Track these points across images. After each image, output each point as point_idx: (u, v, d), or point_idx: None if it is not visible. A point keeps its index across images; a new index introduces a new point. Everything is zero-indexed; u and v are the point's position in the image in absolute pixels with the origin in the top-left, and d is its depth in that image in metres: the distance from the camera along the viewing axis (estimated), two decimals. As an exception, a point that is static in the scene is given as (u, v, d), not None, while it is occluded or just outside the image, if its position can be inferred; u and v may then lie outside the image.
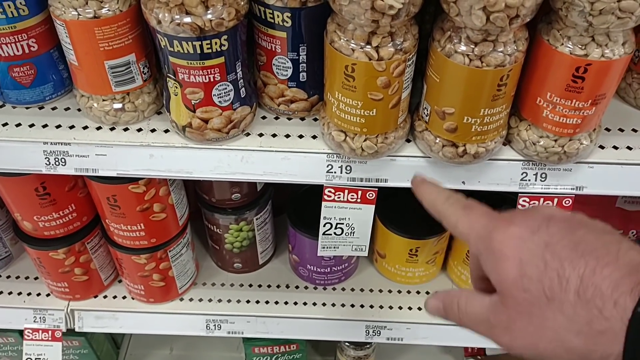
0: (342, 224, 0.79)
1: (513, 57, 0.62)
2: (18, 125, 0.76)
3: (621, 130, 0.77)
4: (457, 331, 1.07)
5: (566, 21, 0.61)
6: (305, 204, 1.05)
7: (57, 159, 0.75)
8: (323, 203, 0.77)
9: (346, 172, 0.75)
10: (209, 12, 0.61)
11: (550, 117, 0.68)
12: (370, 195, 0.76)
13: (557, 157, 0.71)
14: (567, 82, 0.64)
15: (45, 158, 0.75)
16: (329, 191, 0.76)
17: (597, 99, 0.65)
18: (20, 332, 1.18)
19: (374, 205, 0.78)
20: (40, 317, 1.08)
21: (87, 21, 0.65)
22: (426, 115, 0.70)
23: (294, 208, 1.05)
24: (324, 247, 0.81)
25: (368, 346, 1.26)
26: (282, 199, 1.12)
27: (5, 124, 0.76)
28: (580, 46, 0.61)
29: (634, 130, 0.77)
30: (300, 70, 0.72)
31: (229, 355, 1.42)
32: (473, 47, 0.61)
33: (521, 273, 0.42)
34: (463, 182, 0.75)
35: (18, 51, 0.71)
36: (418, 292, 1.11)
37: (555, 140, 0.70)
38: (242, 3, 0.64)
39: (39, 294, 1.09)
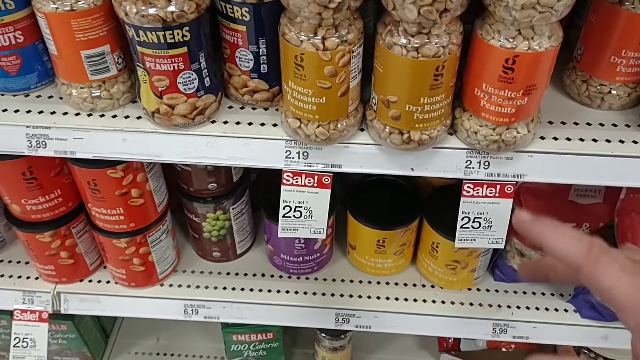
0: (301, 207, 0.85)
1: (447, 49, 0.68)
2: (4, 110, 0.83)
3: (563, 123, 0.83)
4: (423, 320, 1.12)
5: (495, 16, 0.67)
6: (278, 196, 1.10)
7: (38, 142, 0.81)
8: (282, 187, 0.83)
9: (303, 158, 0.81)
10: (171, 4, 0.68)
11: (487, 107, 0.73)
12: (326, 180, 0.82)
13: (497, 146, 0.76)
14: (499, 74, 0.69)
15: (28, 141, 0.81)
16: (288, 175, 0.82)
17: (528, 89, 0.70)
18: (12, 316, 1.25)
19: (329, 190, 0.83)
20: (28, 299, 1.14)
21: (64, 13, 0.72)
22: (374, 105, 0.76)
23: (268, 199, 1.11)
24: (283, 229, 0.87)
25: (343, 336, 1.31)
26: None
27: (-8, 109, 0.83)
28: (508, 39, 0.67)
29: (575, 124, 0.83)
30: (261, 62, 0.78)
31: (212, 346, 1.48)
32: (410, 39, 0.67)
33: None
34: (412, 169, 0.81)
35: (5, 42, 0.78)
36: (387, 283, 1.16)
37: (494, 129, 0.75)
38: (203, -2, 0.71)
39: (28, 277, 1.15)
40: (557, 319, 1.10)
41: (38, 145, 0.82)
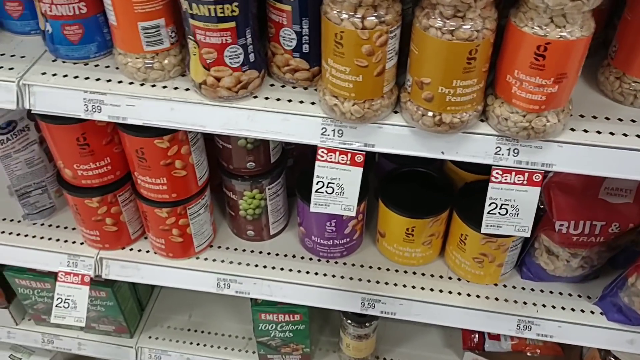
0: (333, 183, 0.88)
1: (481, 34, 0.71)
2: (64, 76, 0.90)
3: (594, 117, 0.84)
4: (448, 311, 1.14)
5: (529, 4, 0.69)
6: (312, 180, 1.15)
7: (94, 106, 0.88)
8: (316, 163, 0.87)
9: (338, 136, 0.85)
10: (223, -19, 0.73)
11: (518, 93, 0.76)
12: (359, 158, 0.86)
13: (527, 133, 0.78)
14: (531, 60, 0.72)
15: (84, 105, 0.88)
16: (322, 152, 0.86)
17: (559, 77, 0.73)
18: (56, 279, 1.32)
19: (362, 168, 0.87)
20: (73, 262, 1.22)
21: (125, -14, 0.78)
22: (409, 87, 0.79)
23: (302, 182, 1.15)
24: (316, 204, 0.91)
25: (368, 324, 1.34)
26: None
27: (54, 74, 0.90)
28: (541, 27, 0.70)
29: (607, 118, 0.84)
30: (303, 42, 0.83)
31: (241, 327, 1.52)
32: (445, 21, 0.70)
33: None
34: (442, 152, 0.84)
35: (70, 12, 0.85)
36: (414, 273, 1.19)
37: (524, 116, 0.77)
38: (254, -23, 0.76)
39: (74, 242, 1.23)
40: (582, 319, 1.10)
41: (94, 110, 0.88)
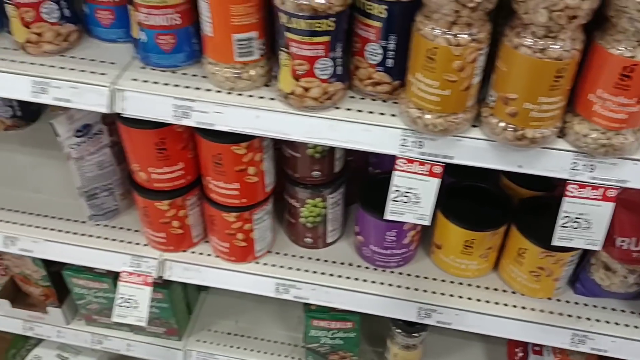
0: (410, 192, 0.92)
1: (570, 54, 0.74)
2: (155, 82, 0.94)
3: (667, 136, 0.87)
4: (503, 323, 1.16)
5: (617, 27, 0.73)
6: (374, 190, 1.18)
7: (183, 112, 0.92)
8: (394, 172, 0.91)
9: (418, 147, 0.88)
10: (323, -3, 0.77)
11: (599, 111, 0.79)
12: (437, 169, 0.89)
13: (605, 150, 0.82)
14: (616, 80, 0.75)
15: (174, 110, 0.92)
16: (401, 162, 0.89)
17: (642, 97, 0.76)
18: (114, 279, 1.36)
19: (439, 179, 0.90)
20: (136, 263, 1.25)
21: (225, -1, 0.82)
22: (492, 102, 0.83)
23: (364, 192, 1.18)
24: (391, 212, 0.94)
25: (416, 335, 1.36)
26: (355, 191, 1.25)
27: (145, 81, 0.94)
28: (629, 49, 0.73)
29: (680, 138, 0.87)
30: (388, 57, 0.87)
31: (286, 334, 1.55)
32: (536, 40, 0.74)
33: None
34: (519, 166, 0.87)
35: (165, 22, 0.90)
36: (470, 285, 1.21)
37: (604, 134, 0.80)
38: (349, -6, 0.80)
39: (137, 243, 1.27)
40: (637, 336, 1.12)
41: (183, 116, 0.92)
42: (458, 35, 0.75)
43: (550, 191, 1.20)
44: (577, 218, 0.89)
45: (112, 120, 1.18)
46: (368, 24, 0.84)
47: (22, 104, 1.48)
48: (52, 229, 1.28)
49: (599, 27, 0.76)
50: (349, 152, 1.17)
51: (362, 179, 1.23)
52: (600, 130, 0.80)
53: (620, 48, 0.74)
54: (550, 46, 0.73)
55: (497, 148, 0.86)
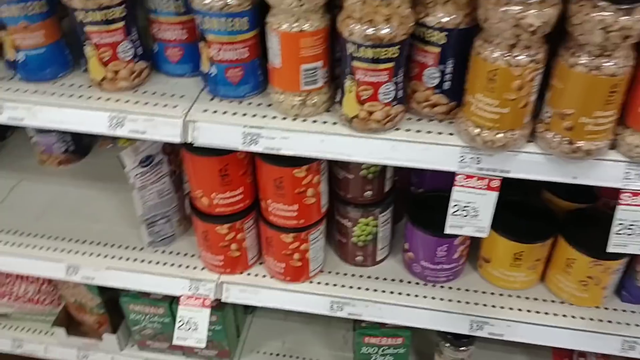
0: (469, 206, 0.97)
1: (623, 70, 0.80)
2: (224, 112, 1.00)
3: None
4: (554, 332, 1.20)
5: (667, 43, 0.79)
6: (422, 208, 1.24)
7: (252, 139, 0.98)
8: (454, 188, 0.96)
9: (476, 163, 0.94)
10: (388, 27, 0.83)
11: (651, 122, 0.84)
12: (495, 183, 0.94)
13: (656, 160, 0.87)
14: (668, 93, 0.81)
15: (243, 138, 0.98)
16: (460, 177, 0.95)
17: (692, 108, 0.81)
18: (170, 304, 1.41)
19: (497, 192, 0.95)
20: (194, 286, 1.30)
21: (295, 33, 0.89)
22: (548, 118, 0.89)
23: (414, 209, 1.24)
24: (451, 226, 0.99)
25: (465, 348, 1.39)
26: (399, 210, 1.31)
27: (215, 111, 1.00)
28: (678, 63, 0.79)
29: None
30: (445, 80, 0.93)
31: (335, 354, 1.58)
32: (592, 59, 0.80)
33: None
34: (574, 177, 0.92)
35: (234, 57, 0.96)
36: (519, 297, 1.25)
37: (655, 144, 0.86)
38: (410, 24, 0.86)
39: (195, 267, 1.32)
40: (687, 339, 1.15)
41: (251, 142, 0.98)
42: (517, 57, 0.81)
43: (592, 203, 1.25)
44: (630, 225, 0.93)
45: (171, 150, 1.25)
46: (427, 50, 0.91)
47: (75, 140, 1.55)
48: (112, 257, 1.33)
49: (649, 44, 0.82)
50: (394, 173, 1.22)
51: (409, 198, 1.29)
52: (652, 141, 0.86)
53: (670, 63, 0.79)
54: (605, 64, 0.79)
55: (552, 161, 0.92)
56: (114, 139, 1.59)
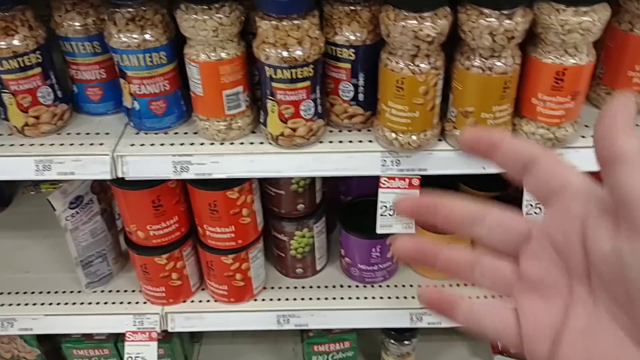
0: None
1: (512, 67, 0.90)
2: (152, 144, 1.03)
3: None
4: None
5: (546, 40, 0.89)
6: (353, 214, 1.30)
7: (182, 167, 1.01)
8: (379, 190, 1.03)
9: (396, 165, 1.01)
10: (301, 48, 0.90)
11: (542, 111, 0.95)
12: (415, 181, 1.02)
13: (551, 143, 0.97)
14: (552, 84, 0.91)
15: (174, 167, 1.01)
16: (384, 180, 1.02)
17: (574, 95, 0.93)
18: (115, 343, 1.40)
19: (419, 190, 1.03)
20: (139, 321, 1.30)
21: (213, 62, 0.93)
22: (453, 117, 0.97)
23: (344, 217, 1.30)
24: (381, 226, 1.06)
25: (408, 342, 1.47)
26: (331, 220, 1.37)
27: (142, 144, 1.03)
28: (558, 57, 0.90)
29: (606, 124, 1.04)
30: (359, 92, 1.00)
31: (286, 367, 1.62)
32: (484, 61, 0.89)
33: None
34: (484, 167, 1.02)
35: (157, 90, 0.99)
36: (451, 285, 1.34)
37: (548, 129, 0.96)
38: (322, 44, 0.93)
39: (137, 302, 1.31)
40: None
41: (182, 170, 1.01)
42: (420, 65, 0.89)
43: (505, 190, 1.36)
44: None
45: (100, 189, 1.25)
46: (339, 67, 0.98)
47: (-5, 190, 1.51)
48: (50, 304, 1.30)
49: (531, 42, 0.93)
50: (323, 184, 1.29)
51: (339, 206, 1.35)
52: (545, 127, 0.96)
53: (550, 57, 0.90)
54: (496, 64, 0.89)
55: (462, 155, 1.01)
56: (37, 185, 1.56)
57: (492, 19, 0.85)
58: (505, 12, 0.85)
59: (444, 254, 0.43)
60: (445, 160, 1.01)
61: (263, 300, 1.32)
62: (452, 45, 0.94)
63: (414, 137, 0.96)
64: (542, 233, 0.37)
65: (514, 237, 0.39)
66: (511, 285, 0.39)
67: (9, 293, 1.34)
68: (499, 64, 0.89)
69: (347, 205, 1.34)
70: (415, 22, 0.85)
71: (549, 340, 0.36)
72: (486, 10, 0.85)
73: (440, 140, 1.02)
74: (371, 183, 1.06)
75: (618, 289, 0.32)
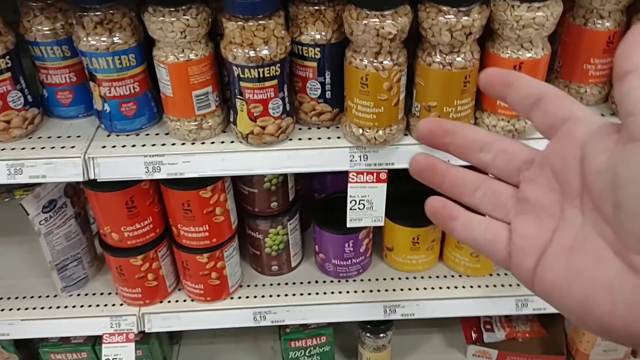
0: (364, 200, 1.07)
1: (471, 62, 0.94)
2: (123, 146, 1.04)
3: (555, 116, 1.09)
4: (457, 304, 1.33)
5: (503, 35, 0.93)
6: (327, 211, 1.33)
7: (154, 168, 1.03)
8: (349, 184, 1.06)
9: (364, 160, 1.04)
10: (267, 48, 0.92)
11: (502, 104, 0.99)
12: (383, 175, 1.05)
13: (512, 135, 1.01)
14: (509, 77, 0.95)
15: (145, 167, 1.03)
16: (353, 175, 1.05)
17: (531, 87, 0.96)
18: (92, 346, 1.40)
19: (386, 184, 1.06)
20: (115, 323, 1.31)
21: (183, 63, 0.95)
22: (417, 112, 1.01)
23: (317, 214, 1.33)
24: (351, 220, 1.09)
25: (384, 335, 1.50)
26: (306, 217, 1.39)
27: (114, 146, 1.04)
28: (514, 51, 0.93)
29: (564, 116, 1.08)
30: (326, 89, 1.03)
31: (264, 364, 1.64)
32: (444, 56, 0.92)
33: None
34: (448, 160, 1.05)
35: (127, 92, 1.01)
36: (422, 277, 1.37)
37: (509, 121, 1.00)
38: (288, 43, 0.95)
39: (113, 304, 1.32)
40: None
41: (154, 171, 1.03)
42: (383, 62, 0.92)
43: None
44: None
45: (73, 193, 1.26)
46: (305, 65, 1.00)
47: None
48: (26, 309, 1.31)
49: (489, 38, 0.96)
50: (297, 182, 1.31)
51: (313, 204, 1.38)
52: (506, 119, 1.00)
53: (508, 52, 0.94)
54: (456, 59, 0.92)
55: (427, 149, 1.03)
56: (10, 192, 1.56)
57: (451, 16, 0.88)
58: (462, 9, 0.88)
59: (452, 173, 0.47)
60: (411, 154, 1.03)
61: (239, 298, 1.34)
62: (415, 42, 0.97)
63: (380, 133, 0.99)
64: (543, 159, 0.40)
65: (518, 165, 0.42)
66: (509, 211, 0.42)
67: (-16, 300, 1.33)
68: (458, 59, 0.93)
69: (320, 202, 1.37)
70: (377, 20, 0.88)
71: (536, 255, 0.38)
72: (444, 8, 0.88)
73: (406, 134, 1.06)
74: (343, 180, 1.09)
75: (606, 202, 0.34)
